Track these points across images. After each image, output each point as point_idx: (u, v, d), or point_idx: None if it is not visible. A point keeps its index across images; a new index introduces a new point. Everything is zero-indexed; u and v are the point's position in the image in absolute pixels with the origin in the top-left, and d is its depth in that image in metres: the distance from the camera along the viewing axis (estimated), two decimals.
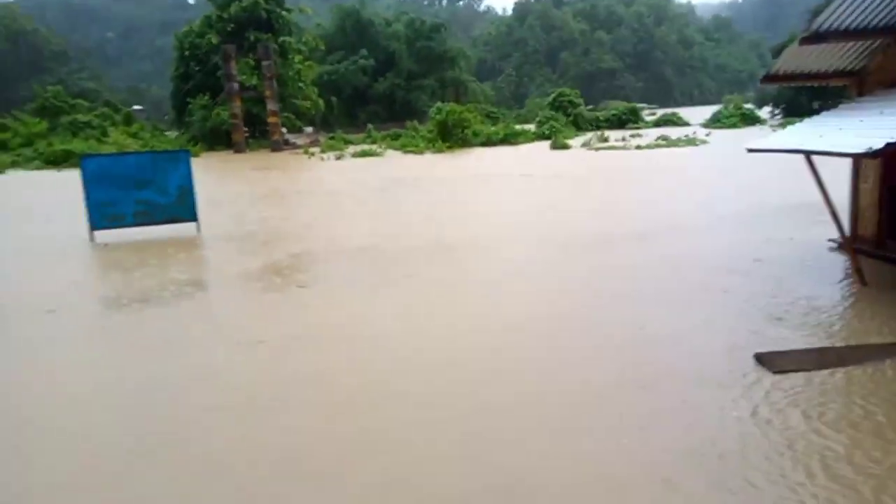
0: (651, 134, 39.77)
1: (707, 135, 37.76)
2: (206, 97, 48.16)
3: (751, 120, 47.49)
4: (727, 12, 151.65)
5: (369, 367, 6.60)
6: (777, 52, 57.25)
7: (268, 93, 44.33)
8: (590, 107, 54.95)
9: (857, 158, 9.84)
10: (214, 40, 48.83)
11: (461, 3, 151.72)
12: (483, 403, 5.65)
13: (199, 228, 14.69)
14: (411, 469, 4.67)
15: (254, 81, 46.62)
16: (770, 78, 10.44)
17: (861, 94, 10.02)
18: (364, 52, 68.73)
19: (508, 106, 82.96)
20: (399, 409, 5.64)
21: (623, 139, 36.81)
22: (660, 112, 61.66)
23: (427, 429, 5.25)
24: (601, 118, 50.43)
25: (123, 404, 6.11)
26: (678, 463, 4.58)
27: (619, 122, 49.81)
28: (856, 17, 8.82)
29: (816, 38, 9.03)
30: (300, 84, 51.00)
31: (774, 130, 40.73)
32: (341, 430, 5.32)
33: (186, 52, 51.54)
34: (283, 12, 51.38)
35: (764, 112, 54.18)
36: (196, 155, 40.49)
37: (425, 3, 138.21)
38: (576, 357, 6.64)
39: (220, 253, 12.98)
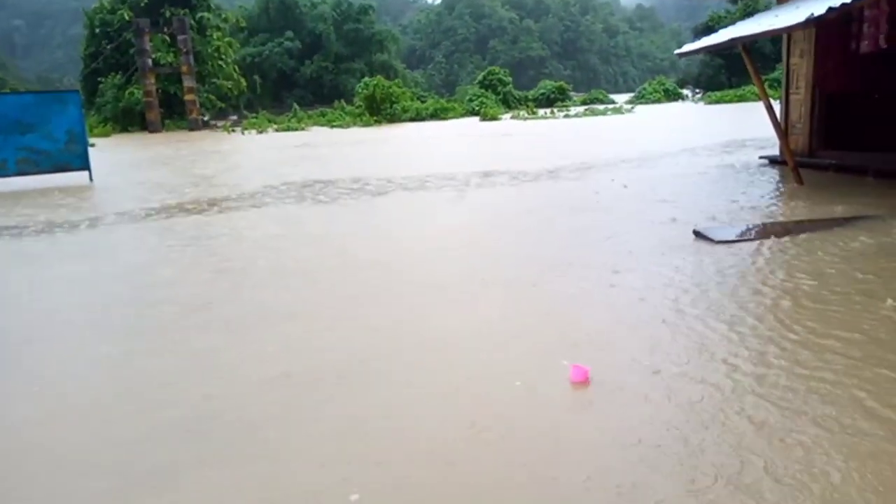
0: (579, 109, 39.80)
1: (632, 108, 38.06)
2: (119, 76, 45.31)
3: (674, 95, 48.34)
4: (650, 2, 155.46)
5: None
6: (698, 32, 58.72)
7: (184, 69, 42.00)
8: (520, 91, 54.75)
9: (790, 64, 9.53)
10: (127, 16, 45.96)
11: None
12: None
13: (91, 177, 13.24)
14: None
15: (170, 58, 44.12)
16: None
17: None
18: (289, 34, 66.56)
19: (439, 93, 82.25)
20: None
21: (552, 112, 36.65)
22: (586, 94, 62.09)
23: None
24: (530, 97, 50.24)
25: None
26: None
27: (548, 101, 49.70)
28: None
29: None
30: (220, 62, 48.65)
31: (696, 103, 41.64)
32: None
33: (97, 30, 48.37)
34: None
35: (685, 91, 55.33)
36: (106, 135, 38.22)
37: None
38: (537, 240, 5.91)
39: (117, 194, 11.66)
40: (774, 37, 9.88)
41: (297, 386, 3.28)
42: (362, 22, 69.21)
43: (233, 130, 36.49)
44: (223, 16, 51.89)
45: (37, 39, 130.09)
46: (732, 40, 7.65)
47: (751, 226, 6.02)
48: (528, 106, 43.74)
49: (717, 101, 37.91)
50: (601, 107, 37.16)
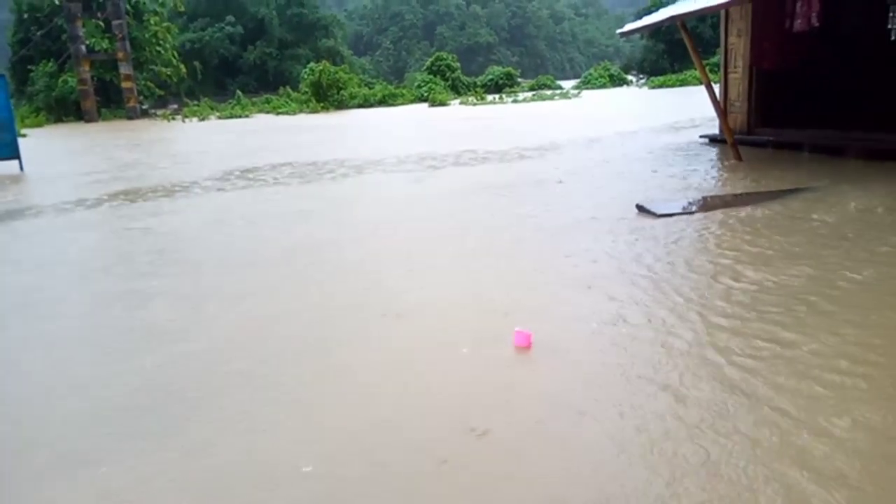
0: (527, 95, 40.00)
1: (578, 93, 38.46)
2: (51, 63, 43.38)
3: (619, 80, 49.09)
4: None
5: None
6: (640, 17, 59.67)
7: (120, 55, 40.49)
8: (469, 77, 54.68)
9: (728, 44, 9.73)
10: (57, 0, 43.89)
11: None
12: None
13: (21, 166, 12.62)
14: None
15: (104, 45, 42.44)
16: None
17: None
18: (231, 18, 64.87)
19: (388, 80, 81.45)
20: None
21: (500, 97, 36.76)
22: (534, 80, 62.54)
23: None
24: (479, 83, 50.30)
25: None
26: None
27: (497, 87, 49.84)
28: None
29: None
30: (159, 48, 47.02)
31: (640, 88, 42.38)
32: None
33: (25, 16, 46.11)
34: None
35: (630, 76, 56.26)
36: (39, 125, 36.56)
37: None
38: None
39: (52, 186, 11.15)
40: (714, 20, 10.08)
41: (259, 356, 3.18)
42: (306, 6, 67.93)
43: (173, 118, 35.43)
44: (160, 0, 50.18)
45: None
46: (671, 18, 7.76)
47: (692, 200, 6.13)
48: (476, 92, 43.78)
49: (661, 86, 38.67)
50: (549, 92, 37.48)
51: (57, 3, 43.88)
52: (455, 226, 5.93)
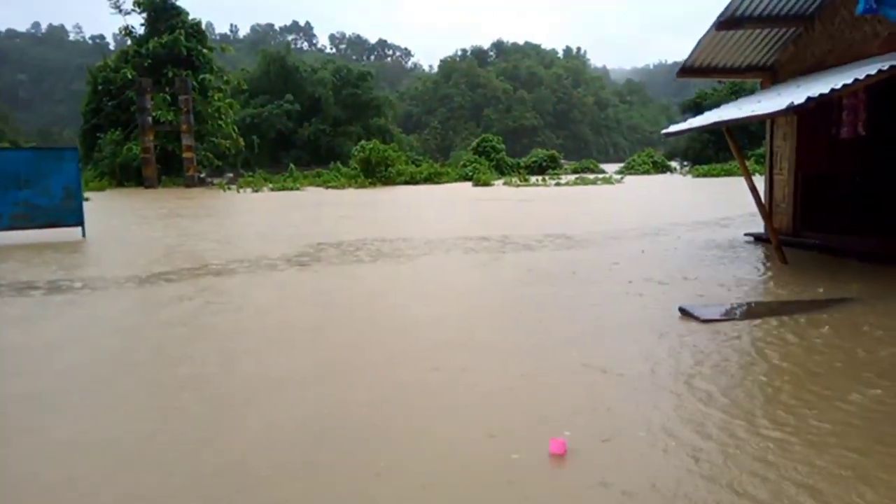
0: (570, 177, 40.54)
1: (621, 178, 38.79)
2: (118, 132, 46.05)
3: (662, 167, 49.44)
4: (639, 77, 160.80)
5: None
6: (685, 108, 60.63)
7: (184, 127, 42.77)
8: (513, 158, 55.91)
9: (773, 146, 9.85)
10: (130, 75, 46.99)
11: (388, 59, 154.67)
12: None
13: (84, 233, 13.31)
14: None
15: (170, 117, 44.98)
16: (686, 71, 10.42)
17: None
18: (289, 97, 68.12)
19: (434, 157, 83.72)
20: None
21: (543, 179, 37.32)
22: (577, 163, 63.46)
23: None
24: (522, 164, 51.31)
25: None
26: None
27: (540, 168, 50.75)
28: (769, 4, 8.88)
29: (733, 22, 9.03)
30: (220, 122, 49.55)
31: (684, 176, 42.53)
32: None
33: (100, 87, 49.39)
34: (205, 50, 50.20)
35: (673, 164, 56.62)
36: (102, 189, 38.45)
37: (353, 57, 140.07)
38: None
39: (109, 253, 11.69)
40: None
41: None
42: (360, 87, 71.06)
43: (228, 188, 36.86)
44: (225, 78, 53.21)
45: (39, 94, 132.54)
46: (716, 123, 7.94)
47: (736, 305, 6.11)
48: (520, 173, 44.62)
49: (705, 175, 38.81)
50: (591, 176, 37.91)
51: (129, 77, 46.95)
52: (498, 323, 6.02)
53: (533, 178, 38.17)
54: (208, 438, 3.59)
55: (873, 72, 6.69)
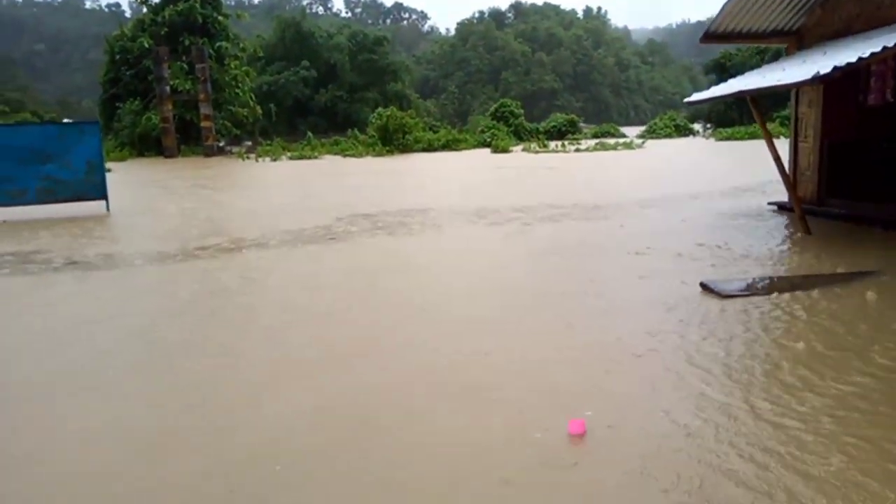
0: (590, 143, 40.05)
1: (643, 142, 38.21)
2: (137, 102, 46.20)
3: (684, 131, 48.57)
4: (661, 37, 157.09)
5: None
6: (709, 69, 59.20)
7: (202, 96, 42.79)
8: (532, 123, 55.30)
9: (798, 113, 9.66)
10: (147, 44, 46.90)
11: (405, 22, 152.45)
12: None
13: (108, 206, 13.50)
14: None
15: (187, 86, 45.00)
16: (710, 37, 10.18)
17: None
18: (305, 63, 67.65)
19: (452, 123, 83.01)
20: None
21: (563, 145, 36.90)
22: (597, 127, 62.68)
23: None
24: (541, 129, 50.71)
25: None
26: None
27: (559, 133, 50.14)
28: None
29: None
30: (237, 90, 49.48)
31: (707, 139, 41.79)
32: None
33: (117, 57, 49.43)
34: (220, 17, 49.89)
35: (696, 127, 55.59)
36: (123, 160, 38.78)
37: (369, 21, 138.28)
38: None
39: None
40: None
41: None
42: (377, 53, 70.33)
43: (247, 157, 36.96)
44: (241, 45, 52.91)
45: (56, 63, 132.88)
46: (740, 92, 7.80)
47: (758, 279, 6.09)
48: (539, 138, 44.15)
49: (728, 138, 38.07)
50: (612, 141, 37.41)
51: (147, 46, 46.87)
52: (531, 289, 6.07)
53: (552, 144, 37.77)
54: (231, 426, 3.70)
55: None
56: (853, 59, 6.43)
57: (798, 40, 9.96)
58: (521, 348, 4.63)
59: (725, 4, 9.50)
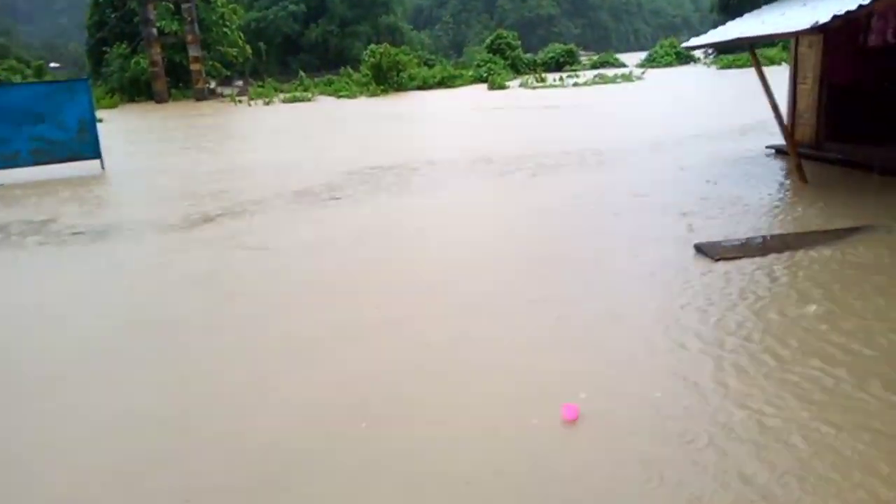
0: (588, 75, 39.28)
1: (642, 73, 37.47)
2: (124, 46, 45.09)
3: (685, 59, 47.52)
4: None
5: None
6: (714, 5, 57.02)
7: (189, 38, 41.73)
8: (529, 54, 54.10)
9: (798, 54, 9.48)
10: None
11: None
12: None
13: (103, 165, 13.44)
14: None
15: (174, 27, 43.82)
16: None
17: None
18: None
19: (447, 55, 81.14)
20: None
21: (560, 79, 36.23)
22: (597, 57, 61.45)
23: None
24: (539, 61, 49.68)
25: None
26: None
27: (557, 65, 49.13)
28: None
29: None
30: (225, 29, 48.19)
31: (708, 67, 40.95)
32: None
33: None
34: None
35: (698, 53, 54.34)
36: (113, 106, 38.18)
37: None
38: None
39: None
40: None
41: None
42: None
43: (239, 101, 36.30)
44: None
45: (40, 5, 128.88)
46: (738, 39, 7.64)
47: (750, 239, 6.13)
48: (536, 72, 43.29)
49: (730, 66, 37.28)
50: (611, 73, 36.61)
51: None
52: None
53: (550, 78, 37.06)
54: (238, 416, 3.83)
55: None
56: (853, 7, 6.28)
57: None
58: (514, 328, 4.71)
59: None
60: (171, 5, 44.37)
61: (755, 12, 8.73)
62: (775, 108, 8.07)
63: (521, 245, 6.73)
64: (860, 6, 6.29)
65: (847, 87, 9.24)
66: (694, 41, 8.84)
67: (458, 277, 5.79)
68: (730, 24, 9.00)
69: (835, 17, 6.25)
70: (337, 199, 9.40)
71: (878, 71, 9.05)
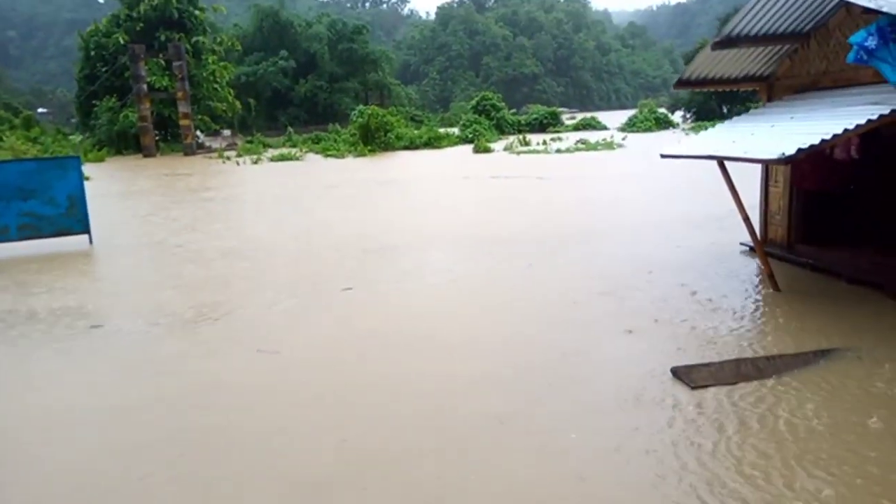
0: (571, 137, 40.35)
1: (623, 139, 38.59)
2: (114, 99, 45.75)
3: (664, 124, 49.15)
4: (642, 20, 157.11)
5: None
6: (689, 59, 59.40)
7: (180, 94, 42.50)
8: (513, 111, 55.60)
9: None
10: (122, 40, 46.36)
11: (384, 6, 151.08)
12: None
13: (91, 240, 13.58)
14: None
15: (165, 83, 44.62)
16: (683, 83, 10.42)
17: (770, 98, 10.13)
18: (284, 53, 67.10)
19: (433, 109, 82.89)
20: None
21: (544, 142, 37.22)
22: (579, 116, 63.21)
23: None
24: (523, 122, 51.11)
25: None
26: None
27: (541, 126, 50.54)
28: (765, 23, 8.83)
29: (728, 42, 9.00)
30: (215, 85, 49.09)
31: (687, 134, 42.22)
32: None
33: (92, 52, 48.83)
34: (196, 11, 49.29)
35: (677, 116, 56.16)
36: (101, 160, 38.43)
37: (348, 5, 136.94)
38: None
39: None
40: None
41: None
42: (356, 42, 69.87)
43: (227, 158, 36.69)
44: (218, 39, 52.37)
45: (30, 50, 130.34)
46: (711, 157, 8.05)
47: (724, 363, 6.36)
48: (520, 132, 44.40)
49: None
50: (593, 140, 37.59)
51: (122, 42, 46.23)
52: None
53: (534, 141, 38.01)
54: None
55: (863, 121, 6.77)
56: (815, 141, 6.70)
57: (769, 87, 10.22)
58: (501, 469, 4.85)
59: (698, 57, 9.73)
60: (163, 62, 45.21)
61: (725, 126, 9.23)
62: (747, 220, 8.46)
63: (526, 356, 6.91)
64: (822, 140, 6.71)
65: (816, 192, 9.69)
66: (668, 150, 9.26)
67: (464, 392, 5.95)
68: (703, 133, 9.46)
69: (800, 150, 6.66)
70: (349, 289, 9.45)
71: (846, 178, 9.52)
